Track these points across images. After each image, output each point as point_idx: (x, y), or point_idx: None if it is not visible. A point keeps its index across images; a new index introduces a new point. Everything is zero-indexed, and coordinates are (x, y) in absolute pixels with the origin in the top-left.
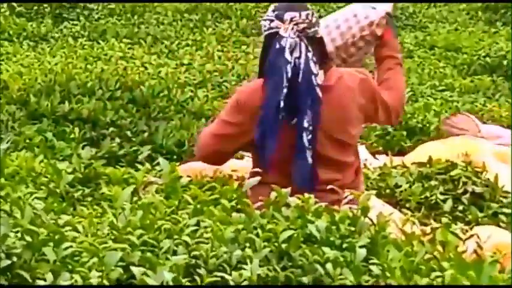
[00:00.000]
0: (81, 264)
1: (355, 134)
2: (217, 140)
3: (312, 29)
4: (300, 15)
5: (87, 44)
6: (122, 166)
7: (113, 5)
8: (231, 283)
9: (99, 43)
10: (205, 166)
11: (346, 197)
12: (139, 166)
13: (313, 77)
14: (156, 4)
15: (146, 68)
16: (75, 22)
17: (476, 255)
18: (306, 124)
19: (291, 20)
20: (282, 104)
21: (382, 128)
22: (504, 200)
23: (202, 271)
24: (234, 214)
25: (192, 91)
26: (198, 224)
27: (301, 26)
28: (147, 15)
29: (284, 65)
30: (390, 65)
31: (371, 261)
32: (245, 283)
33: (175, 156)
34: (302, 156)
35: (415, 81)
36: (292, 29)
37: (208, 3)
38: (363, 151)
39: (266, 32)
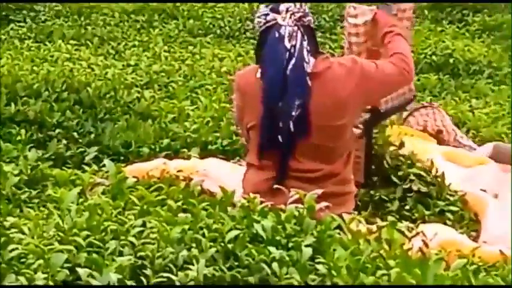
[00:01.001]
0: (27, 266)
1: (346, 122)
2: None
3: (307, 18)
4: (295, 5)
5: (34, 45)
6: (68, 167)
7: (59, 7)
8: (177, 283)
9: (45, 45)
10: (152, 167)
11: (291, 196)
12: (86, 167)
13: (305, 64)
14: (102, 5)
15: (93, 69)
16: (21, 24)
17: (422, 253)
18: (292, 112)
19: (287, 10)
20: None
21: None
22: (451, 198)
23: (148, 272)
24: (181, 214)
25: (138, 92)
26: (144, 224)
27: (297, 15)
28: (94, 17)
29: (284, 53)
30: (389, 38)
31: (317, 260)
32: (191, 283)
33: (122, 157)
34: (283, 144)
35: None
36: (290, 17)
37: (155, 4)
38: None
39: (263, 27)
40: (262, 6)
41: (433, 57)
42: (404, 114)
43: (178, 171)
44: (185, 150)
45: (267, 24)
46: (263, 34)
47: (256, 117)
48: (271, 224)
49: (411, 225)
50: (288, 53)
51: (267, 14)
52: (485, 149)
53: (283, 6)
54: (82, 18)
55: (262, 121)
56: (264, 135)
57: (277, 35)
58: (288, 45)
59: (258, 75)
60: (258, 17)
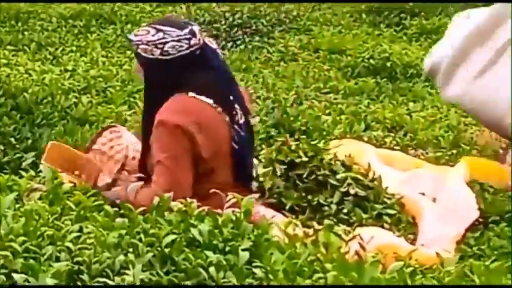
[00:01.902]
0: None
1: None
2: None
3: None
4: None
5: None
6: (5, 173)
7: None
8: None
9: None
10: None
11: (229, 201)
12: (23, 173)
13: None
14: (40, 10)
15: (30, 75)
16: None
17: (358, 256)
18: (240, 120)
19: (199, 30)
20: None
21: (265, 131)
22: (388, 201)
23: (85, 277)
24: (118, 219)
25: (76, 97)
26: (81, 230)
27: (201, 35)
28: (31, 22)
29: (226, 71)
30: None
31: (254, 264)
32: None
33: None
34: (244, 152)
35: (300, 84)
36: (204, 37)
37: (92, 9)
38: None
39: (186, 52)
40: (170, 30)
41: (371, 60)
42: None
43: None
44: None
45: (191, 49)
46: (185, 57)
47: (222, 144)
48: (208, 228)
49: (348, 228)
50: (227, 74)
51: (190, 39)
52: None
53: (196, 28)
54: (19, 24)
55: (239, 144)
56: (240, 153)
57: (210, 55)
58: (222, 66)
59: (209, 101)
60: (176, 41)
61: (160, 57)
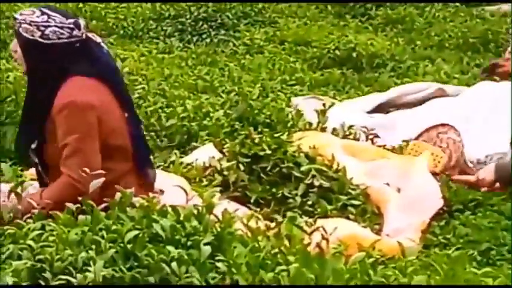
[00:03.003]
0: None
1: None
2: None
3: None
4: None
5: None
6: None
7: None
8: (76, 286)
9: None
10: None
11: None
12: None
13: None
14: (5, 9)
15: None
16: None
17: (319, 248)
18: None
19: (84, 26)
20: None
21: (230, 125)
22: (353, 192)
23: (47, 275)
24: (80, 216)
25: None
26: (43, 227)
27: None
28: None
29: (109, 62)
30: None
31: (217, 258)
32: (90, 285)
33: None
34: (143, 145)
35: (265, 77)
36: (87, 33)
37: (58, 5)
38: (211, 148)
39: (65, 40)
40: (52, 14)
41: (336, 51)
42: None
43: None
44: None
45: (71, 39)
46: (65, 46)
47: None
48: (170, 223)
49: (310, 220)
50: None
51: (73, 29)
52: (486, 172)
53: (82, 22)
54: None
55: (136, 130)
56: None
57: (103, 51)
58: (106, 58)
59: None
60: (59, 28)
61: (39, 39)
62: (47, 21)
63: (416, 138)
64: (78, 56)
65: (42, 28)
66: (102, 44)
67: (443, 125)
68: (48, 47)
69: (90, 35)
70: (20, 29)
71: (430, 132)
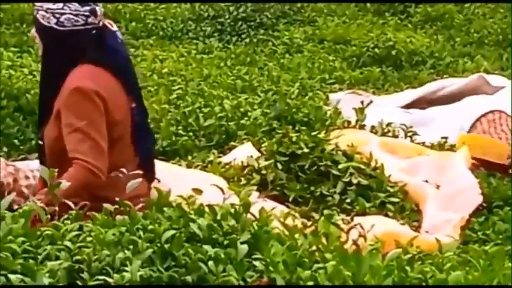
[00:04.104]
0: None
1: None
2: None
3: None
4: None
5: None
6: None
7: (1, 14)
8: (114, 286)
9: None
10: None
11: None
12: None
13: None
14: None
15: (34, 76)
16: None
17: (356, 246)
18: (132, 104)
19: (102, 13)
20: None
21: (268, 124)
22: (391, 189)
23: (85, 275)
24: (118, 217)
25: None
26: (80, 228)
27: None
28: None
29: (123, 53)
30: None
31: (254, 256)
32: (127, 285)
33: None
34: (149, 138)
35: (304, 76)
36: (104, 20)
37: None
38: (249, 147)
39: (80, 27)
40: (69, 2)
41: (376, 49)
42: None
43: None
44: None
45: (86, 27)
46: (81, 33)
47: (125, 119)
48: (207, 222)
49: (347, 218)
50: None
51: (88, 16)
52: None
53: (99, 10)
54: (24, 26)
55: (142, 121)
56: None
57: (117, 39)
58: (120, 48)
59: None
60: (74, 15)
61: (55, 26)
62: (62, 8)
63: (470, 131)
64: (92, 43)
65: (58, 15)
66: (118, 33)
67: (492, 111)
68: (63, 33)
69: (106, 22)
70: (37, 16)
71: (483, 122)
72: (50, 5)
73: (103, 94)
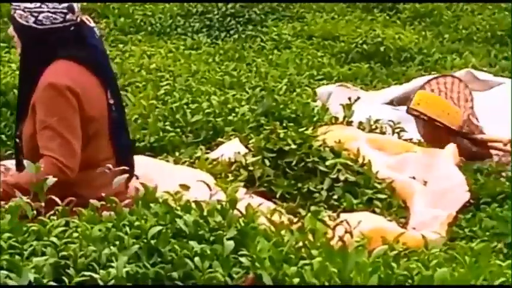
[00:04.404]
0: None
1: None
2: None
3: None
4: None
5: None
6: None
7: None
8: (100, 282)
9: None
10: None
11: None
12: None
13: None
14: None
15: None
16: None
17: (342, 242)
18: (110, 100)
19: (79, 9)
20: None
21: (255, 120)
22: (378, 186)
23: (71, 271)
24: (104, 213)
25: None
26: (67, 224)
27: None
28: None
29: (102, 50)
30: None
31: (240, 252)
32: (113, 281)
33: None
34: (125, 134)
35: (293, 72)
36: (82, 16)
37: (85, 4)
38: (237, 144)
39: (59, 25)
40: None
41: (364, 46)
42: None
43: None
44: None
45: (65, 24)
46: (58, 31)
47: (102, 116)
48: (193, 218)
49: (333, 214)
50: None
51: (66, 13)
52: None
53: (76, 6)
54: None
55: (120, 118)
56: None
57: (94, 34)
58: (98, 45)
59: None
60: (52, 13)
61: (33, 25)
62: (39, 7)
63: (422, 88)
64: (70, 40)
65: (36, 14)
66: (95, 29)
67: (445, 75)
68: (42, 32)
69: (84, 18)
70: (15, 15)
71: (432, 84)
72: (28, 4)
73: (77, 90)
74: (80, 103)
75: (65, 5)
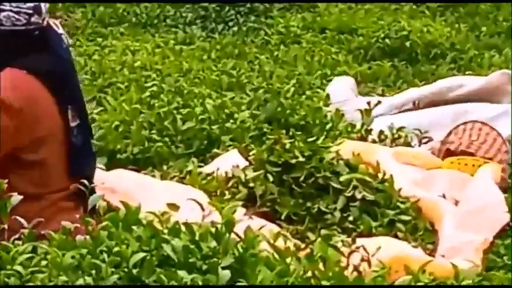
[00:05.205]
0: None
1: None
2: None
3: None
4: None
5: None
6: None
7: None
8: None
9: None
10: None
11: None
12: None
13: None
14: None
15: None
16: None
17: (357, 272)
18: (72, 122)
19: (46, 11)
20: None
21: (257, 128)
22: (402, 206)
23: None
24: (78, 237)
25: None
26: (34, 250)
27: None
28: None
29: (68, 60)
30: None
31: (238, 284)
32: None
33: None
34: (90, 161)
35: (302, 71)
36: (49, 19)
37: None
38: (235, 156)
39: (21, 27)
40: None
41: (387, 40)
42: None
43: None
44: None
45: (28, 27)
46: (25, 34)
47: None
48: (183, 243)
49: (348, 239)
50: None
51: (31, 15)
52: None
53: (44, 7)
54: None
55: (81, 141)
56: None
57: (52, 39)
58: (65, 53)
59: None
60: (16, 12)
61: None
62: (1, 5)
63: (444, 143)
64: (31, 46)
65: None
66: (63, 37)
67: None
68: (1, 33)
69: (52, 22)
70: None
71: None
72: None
73: (17, 106)
74: (23, 121)
75: (31, 4)
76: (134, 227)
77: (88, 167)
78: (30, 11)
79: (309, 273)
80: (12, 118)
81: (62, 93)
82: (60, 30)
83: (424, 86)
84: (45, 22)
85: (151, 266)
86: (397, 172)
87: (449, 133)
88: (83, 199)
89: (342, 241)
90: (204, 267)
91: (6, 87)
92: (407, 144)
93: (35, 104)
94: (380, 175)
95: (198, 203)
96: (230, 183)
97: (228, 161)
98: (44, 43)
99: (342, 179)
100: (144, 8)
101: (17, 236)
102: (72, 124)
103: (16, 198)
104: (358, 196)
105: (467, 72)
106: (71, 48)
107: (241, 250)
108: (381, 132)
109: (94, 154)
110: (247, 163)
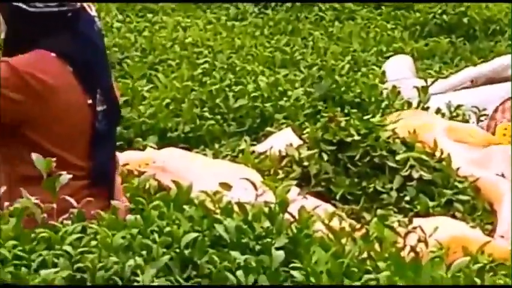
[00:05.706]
0: None
1: None
2: None
3: None
4: None
5: None
6: None
7: None
8: None
9: None
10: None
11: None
12: None
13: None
14: None
15: None
16: None
17: (414, 253)
18: (99, 107)
19: None
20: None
21: (311, 106)
22: (460, 186)
23: (88, 286)
24: (128, 217)
25: None
26: (83, 230)
27: None
28: None
29: (99, 45)
30: None
31: (292, 265)
32: None
33: None
34: (109, 152)
35: (357, 48)
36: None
37: None
38: (289, 134)
39: (54, 9)
40: None
41: (444, 16)
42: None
43: (124, 164)
44: (140, 139)
45: (64, 8)
46: (54, 16)
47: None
48: (236, 224)
49: (404, 219)
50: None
51: None
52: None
53: None
54: None
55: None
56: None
57: (84, 23)
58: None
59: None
60: None
61: (23, 5)
62: None
63: (492, 119)
64: (62, 28)
65: None
66: (96, 19)
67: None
68: (32, 15)
69: (86, 5)
70: None
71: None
72: None
73: (43, 78)
74: (44, 100)
75: None
76: (186, 207)
77: (108, 154)
78: None
79: (365, 254)
80: (35, 85)
81: (90, 77)
82: (93, 12)
83: (481, 63)
84: (78, 4)
85: (203, 246)
86: (453, 150)
87: (496, 109)
88: (107, 185)
89: (399, 221)
90: (257, 247)
91: (35, 67)
92: (466, 121)
93: (57, 86)
94: (437, 154)
95: (251, 182)
96: (284, 162)
97: (281, 140)
98: (76, 25)
99: (398, 157)
100: None
101: (66, 215)
102: (99, 108)
103: (65, 177)
104: (415, 175)
105: None
106: (102, 32)
107: (295, 230)
108: (438, 109)
109: (115, 142)
110: (301, 142)
